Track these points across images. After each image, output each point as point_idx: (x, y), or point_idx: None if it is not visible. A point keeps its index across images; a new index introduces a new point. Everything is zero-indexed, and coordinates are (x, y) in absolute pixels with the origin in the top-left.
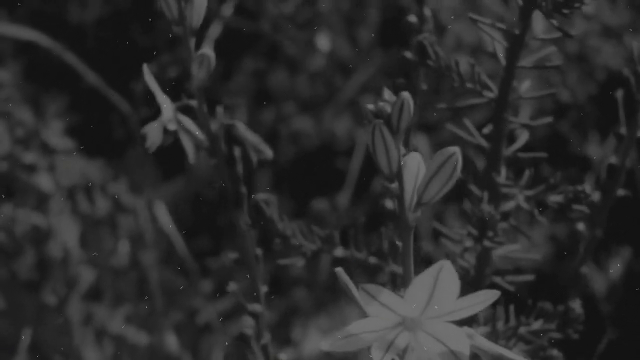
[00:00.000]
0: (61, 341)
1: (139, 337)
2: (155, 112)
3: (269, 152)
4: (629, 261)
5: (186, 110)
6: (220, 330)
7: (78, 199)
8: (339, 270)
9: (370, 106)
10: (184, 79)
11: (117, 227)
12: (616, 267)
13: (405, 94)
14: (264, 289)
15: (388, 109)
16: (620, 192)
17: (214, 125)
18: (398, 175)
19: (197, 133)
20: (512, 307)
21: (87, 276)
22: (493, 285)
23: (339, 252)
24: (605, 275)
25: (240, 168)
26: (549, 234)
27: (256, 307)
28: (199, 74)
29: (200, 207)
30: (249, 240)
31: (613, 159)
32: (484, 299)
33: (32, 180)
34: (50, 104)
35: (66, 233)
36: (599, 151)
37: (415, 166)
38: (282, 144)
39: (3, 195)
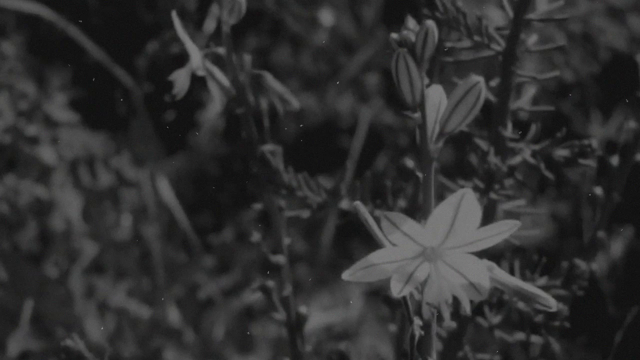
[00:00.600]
0: (63, 313)
1: (141, 311)
2: (158, 87)
3: (295, 103)
4: (630, 240)
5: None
6: (222, 306)
7: (81, 172)
8: (358, 203)
9: (395, 35)
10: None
11: (119, 201)
12: (617, 247)
13: (430, 23)
14: (286, 240)
15: (412, 37)
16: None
17: (241, 75)
18: (421, 105)
19: (224, 81)
20: (517, 263)
21: (89, 249)
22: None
23: (345, 204)
24: (606, 254)
25: (266, 119)
26: (551, 212)
27: (279, 259)
28: (229, 19)
29: (203, 183)
30: (270, 190)
31: (632, 123)
32: (505, 228)
33: (35, 152)
34: (53, 77)
35: (68, 206)
36: (601, 131)
37: (437, 97)
38: (285, 121)
39: (6, 167)
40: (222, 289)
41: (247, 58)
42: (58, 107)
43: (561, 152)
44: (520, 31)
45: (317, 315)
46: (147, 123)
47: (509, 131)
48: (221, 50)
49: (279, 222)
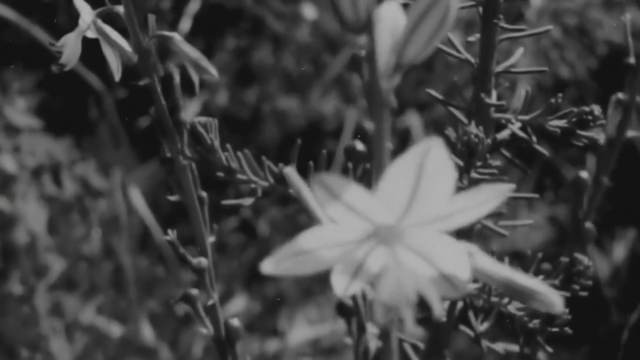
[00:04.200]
0: (27, 333)
1: (112, 329)
2: (131, 91)
3: (212, 71)
4: (633, 243)
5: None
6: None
7: (45, 181)
8: (289, 169)
9: None
10: (163, 58)
11: (88, 212)
12: (620, 251)
13: None
14: (210, 239)
15: None
16: (631, 132)
17: (145, 38)
18: (368, 25)
19: (123, 45)
20: (506, 259)
21: (56, 264)
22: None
23: None
24: (609, 259)
25: (178, 90)
26: (549, 215)
27: (202, 261)
28: None
29: (179, 192)
30: (190, 177)
31: (622, 95)
32: (491, 195)
33: None
34: (14, 82)
35: (33, 218)
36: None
37: (392, 18)
38: (266, 125)
39: None
40: (202, 303)
41: (152, 18)
42: (19, 112)
43: (556, 123)
44: None
45: (303, 329)
46: (119, 128)
47: (493, 99)
48: (120, 8)
49: (199, 216)
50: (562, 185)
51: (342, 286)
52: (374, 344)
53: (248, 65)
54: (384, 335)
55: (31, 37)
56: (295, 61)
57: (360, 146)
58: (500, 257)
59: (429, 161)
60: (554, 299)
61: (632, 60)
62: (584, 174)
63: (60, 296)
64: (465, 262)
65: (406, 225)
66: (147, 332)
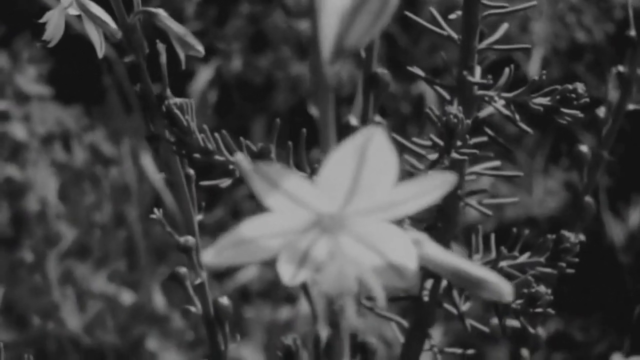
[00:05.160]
0: (39, 301)
1: (124, 296)
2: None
3: (198, 47)
4: None
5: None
6: (213, 288)
7: (55, 148)
8: (239, 157)
9: None
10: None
11: (99, 180)
12: (635, 217)
13: None
14: (197, 217)
15: None
16: (631, 106)
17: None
18: (310, 8)
19: (106, 21)
20: (492, 237)
21: (67, 232)
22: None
23: None
24: (624, 225)
25: (164, 68)
26: (564, 180)
27: (189, 240)
28: None
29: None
30: (182, 156)
31: (622, 68)
32: (435, 183)
33: (6, 129)
34: (24, 50)
35: (44, 186)
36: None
37: (338, 1)
38: (279, 91)
39: None
40: (213, 270)
41: None
42: (29, 80)
43: (540, 101)
44: None
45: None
46: (130, 94)
47: (476, 76)
48: None
49: (186, 195)
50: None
51: (289, 274)
52: (324, 333)
53: (262, 32)
54: (334, 324)
55: (42, 4)
56: (309, 27)
57: (354, 121)
58: (515, 224)
59: (371, 150)
60: (504, 288)
61: (632, 33)
62: (584, 148)
63: (71, 264)
64: (412, 251)
65: (349, 214)
66: (158, 300)
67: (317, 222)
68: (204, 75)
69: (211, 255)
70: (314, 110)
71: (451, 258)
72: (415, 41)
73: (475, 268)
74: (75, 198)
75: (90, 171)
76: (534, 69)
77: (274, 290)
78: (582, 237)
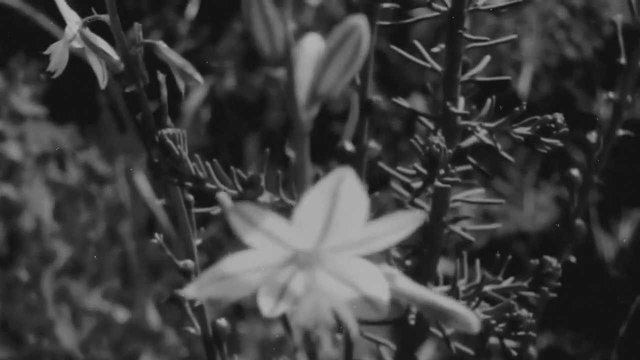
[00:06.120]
0: (34, 318)
1: (118, 314)
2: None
3: (197, 77)
4: (638, 224)
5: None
6: (207, 305)
7: (50, 167)
8: (221, 194)
9: None
10: (170, 43)
11: (93, 198)
12: (626, 231)
13: None
14: (196, 241)
15: None
16: (620, 131)
17: (132, 47)
18: (286, 58)
19: (109, 53)
20: (477, 262)
21: (62, 250)
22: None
23: (266, 198)
24: (614, 239)
25: (164, 98)
26: (555, 195)
27: (188, 263)
28: None
29: (166, 195)
30: (176, 184)
31: (612, 94)
32: (403, 222)
33: (1, 148)
34: (19, 70)
35: (38, 204)
36: (607, 110)
37: (314, 51)
38: (272, 108)
39: None
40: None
41: (137, 26)
42: (24, 100)
43: (521, 130)
44: None
45: None
46: (124, 113)
47: (460, 107)
48: (105, 17)
49: (186, 220)
50: (568, 166)
51: (269, 307)
52: None
53: (255, 50)
54: (311, 354)
55: (36, 25)
56: None
57: (349, 146)
58: (506, 239)
59: (343, 190)
60: (472, 320)
61: (623, 60)
62: (575, 172)
63: (66, 282)
64: (384, 284)
65: (324, 250)
66: (153, 317)
67: (294, 258)
68: (197, 93)
69: (194, 290)
70: (290, 153)
71: (422, 291)
72: (406, 58)
73: (444, 301)
74: (70, 216)
75: (84, 190)
76: (524, 85)
77: None
78: (572, 259)
